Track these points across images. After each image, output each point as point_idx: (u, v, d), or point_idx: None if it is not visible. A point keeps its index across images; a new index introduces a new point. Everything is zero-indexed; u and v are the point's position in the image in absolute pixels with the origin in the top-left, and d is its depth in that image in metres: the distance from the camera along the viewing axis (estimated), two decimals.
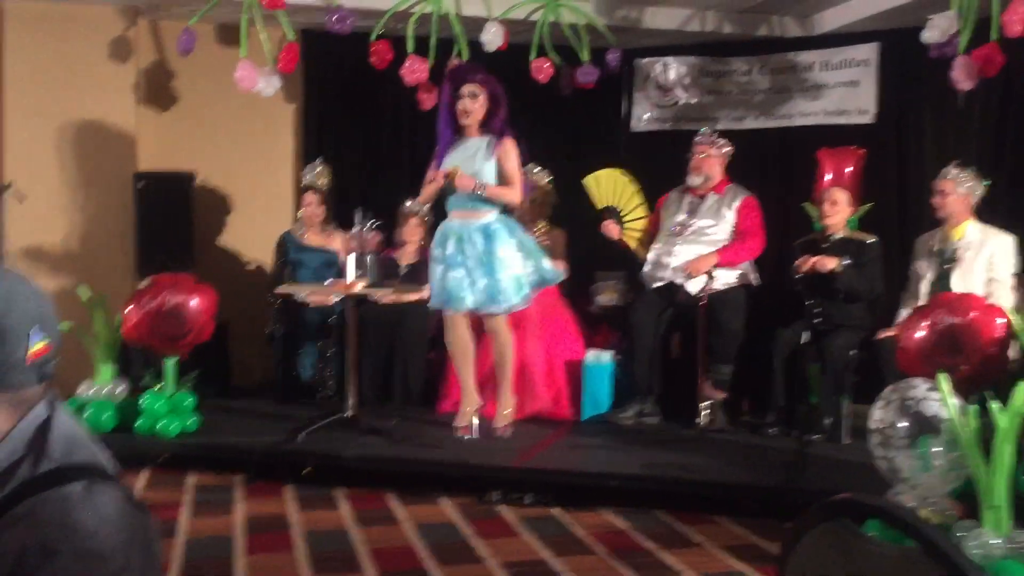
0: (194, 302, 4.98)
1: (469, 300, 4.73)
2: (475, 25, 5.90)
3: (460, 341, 4.93)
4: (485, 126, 4.77)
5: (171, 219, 6.07)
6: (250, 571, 3.42)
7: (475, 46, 5.96)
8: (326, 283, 5.35)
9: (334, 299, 5.68)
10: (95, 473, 1.21)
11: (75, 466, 1.20)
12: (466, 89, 4.72)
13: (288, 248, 6.08)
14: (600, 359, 5.39)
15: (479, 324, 5.59)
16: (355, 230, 5.11)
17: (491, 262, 4.68)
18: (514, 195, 4.76)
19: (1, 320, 1.18)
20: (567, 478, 4.38)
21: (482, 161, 4.73)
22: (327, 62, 6.63)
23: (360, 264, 5.02)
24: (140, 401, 4.94)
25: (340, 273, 5.72)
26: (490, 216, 4.76)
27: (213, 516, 4.05)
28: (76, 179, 6.15)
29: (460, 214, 4.81)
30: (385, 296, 5.44)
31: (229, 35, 6.30)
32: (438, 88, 6.06)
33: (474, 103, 4.72)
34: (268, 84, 5.95)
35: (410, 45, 5.91)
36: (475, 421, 4.92)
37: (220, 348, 6.01)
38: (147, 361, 5.24)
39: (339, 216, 6.11)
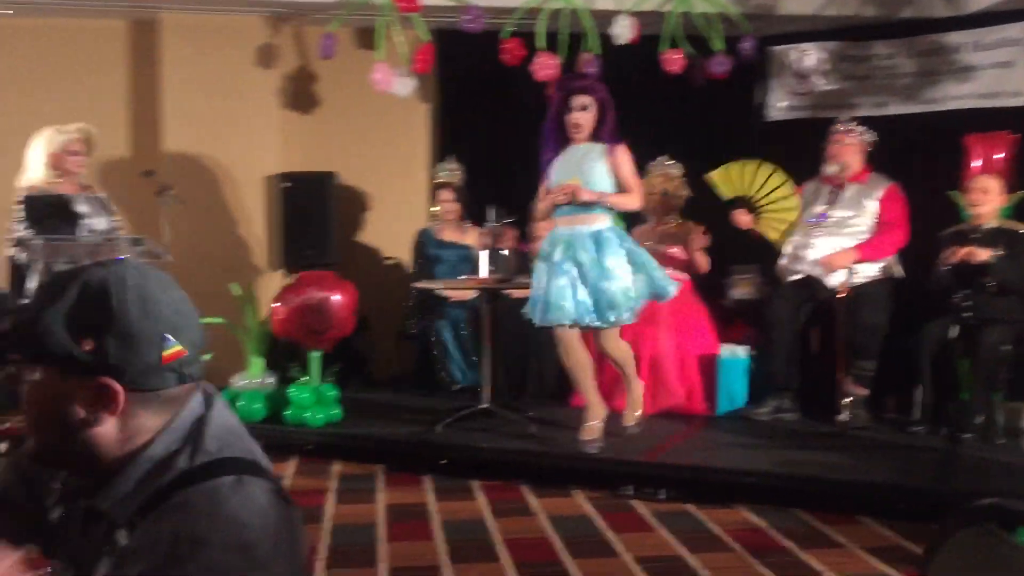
0: (336, 298, 5.17)
1: (569, 310, 4.43)
2: (605, 18, 5.90)
3: (576, 357, 4.65)
4: (594, 134, 4.62)
5: (313, 218, 6.32)
6: (392, 557, 3.55)
7: (605, 40, 5.95)
8: (461, 278, 5.46)
9: (470, 294, 5.80)
10: (247, 467, 1.25)
11: (229, 459, 1.25)
12: (577, 102, 4.55)
13: (426, 244, 6.24)
14: (735, 354, 5.31)
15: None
16: (489, 226, 5.20)
17: (600, 272, 4.42)
18: (635, 202, 4.63)
19: (135, 325, 1.21)
20: (702, 474, 4.34)
21: (592, 165, 4.54)
22: (460, 61, 6.75)
23: (494, 259, 5.11)
24: (288, 392, 5.18)
25: (476, 268, 5.84)
26: (601, 223, 4.53)
27: (356, 503, 4.21)
28: (226, 181, 6.48)
29: (568, 220, 4.57)
30: (519, 290, 5.51)
31: (366, 38, 6.49)
32: None
33: (585, 116, 4.56)
34: (404, 85, 6.13)
35: (540, 41, 5.95)
36: (599, 429, 4.69)
37: (361, 342, 6.23)
38: (293, 354, 5.48)
39: (473, 212, 6.22)
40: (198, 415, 1.27)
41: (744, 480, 4.23)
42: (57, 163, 4.90)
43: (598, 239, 4.50)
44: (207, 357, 1.40)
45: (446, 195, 6.23)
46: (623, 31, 5.84)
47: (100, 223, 4.98)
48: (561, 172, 4.60)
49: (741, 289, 5.76)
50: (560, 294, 4.45)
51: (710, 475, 4.32)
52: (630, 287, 4.48)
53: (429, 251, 6.22)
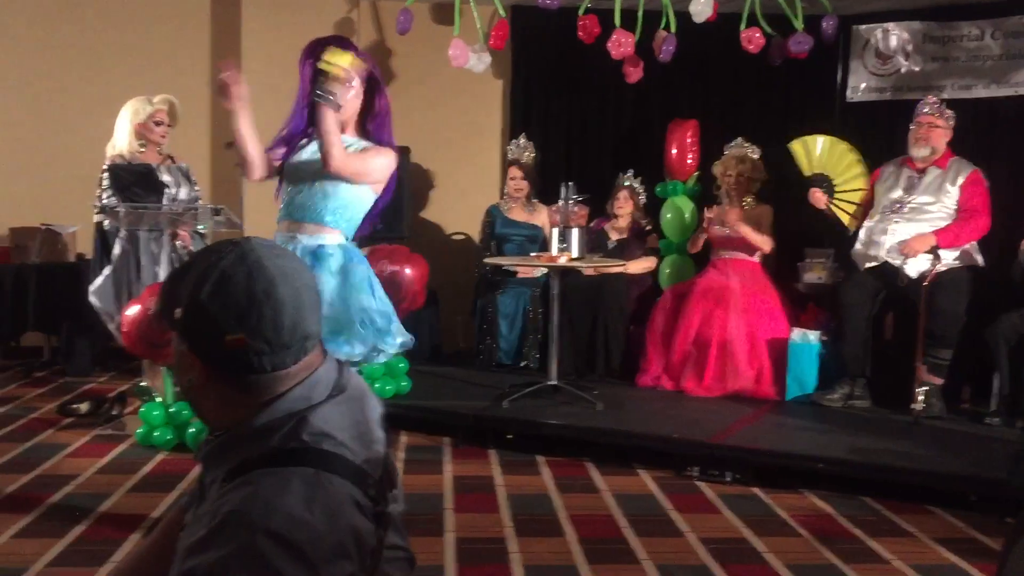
0: (408, 271, 5.23)
1: None
2: None
3: None
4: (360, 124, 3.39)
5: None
6: (459, 527, 3.60)
7: (683, 17, 5.88)
8: (531, 255, 5.48)
9: (539, 271, 5.82)
10: (336, 466, 1.24)
11: (318, 452, 1.24)
12: None
13: (494, 221, 6.27)
14: (807, 338, 5.24)
15: (678, 301, 5.58)
16: (560, 203, 5.21)
17: None
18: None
19: (208, 307, 1.25)
20: (769, 458, 4.30)
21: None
22: (535, 38, 6.75)
23: (564, 237, 5.11)
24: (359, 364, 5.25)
25: (545, 246, 5.86)
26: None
27: (425, 474, 4.28)
28: None
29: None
30: (588, 268, 5.52)
31: (443, 14, 6.53)
32: (644, 61, 6.06)
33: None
34: (479, 61, 6.15)
35: (617, 18, 5.91)
36: None
37: (430, 316, 6.30)
38: None
39: (545, 190, 6.23)
40: (311, 400, 1.28)
41: (813, 466, 4.18)
42: (142, 133, 5.03)
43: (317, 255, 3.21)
44: None
45: (516, 172, 6.25)
46: (702, 9, 5.77)
47: (182, 192, 5.11)
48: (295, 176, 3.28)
49: (814, 273, 5.68)
50: None
51: (778, 459, 4.28)
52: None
53: (497, 229, 6.25)
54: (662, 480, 4.24)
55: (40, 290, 6.28)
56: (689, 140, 6.31)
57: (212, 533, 1.16)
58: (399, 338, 3.26)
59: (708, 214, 5.70)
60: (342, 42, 3.24)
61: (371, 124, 3.30)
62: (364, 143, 3.28)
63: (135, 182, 4.97)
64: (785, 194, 5.81)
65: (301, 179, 3.22)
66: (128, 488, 3.97)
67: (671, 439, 4.51)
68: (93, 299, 4.96)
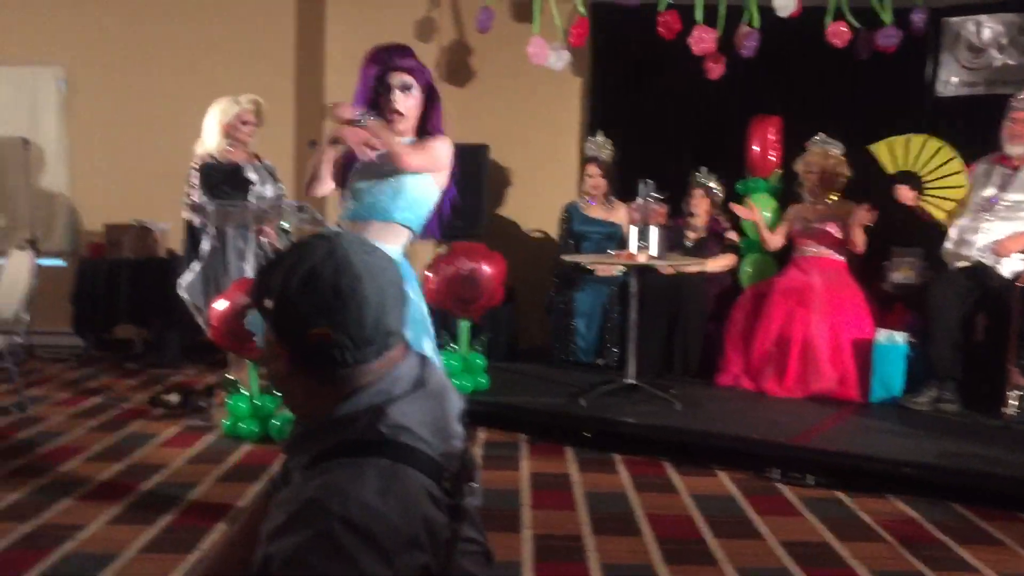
0: (487, 268, 5.27)
1: None
2: None
3: None
4: (419, 128, 3.34)
5: (466, 189, 6.39)
6: (535, 523, 3.61)
7: (766, 12, 5.79)
8: (610, 253, 5.46)
9: (617, 270, 5.80)
10: (413, 458, 1.26)
11: (396, 444, 1.26)
12: (396, 79, 3.19)
13: (572, 219, 6.27)
14: (893, 339, 5.10)
15: (759, 300, 5.50)
16: (639, 201, 5.17)
17: None
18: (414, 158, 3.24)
19: (296, 300, 1.28)
20: (853, 461, 4.20)
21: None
22: (615, 35, 6.71)
23: (643, 235, 5.08)
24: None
25: (622, 244, 5.83)
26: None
27: (502, 470, 4.30)
28: None
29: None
30: (667, 267, 5.48)
31: (523, 11, 6.54)
32: (726, 57, 5.98)
33: (408, 100, 3.22)
34: (558, 58, 6.15)
35: (699, 14, 5.84)
36: None
37: (507, 313, 6.32)
38: (443, 323, 5.61)
39: (624, 187, 6.20)
40: (391, 394, 1.31)
41: (898, 470, 4.07)
42: (230, 132, 5.16)
43: None
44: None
45: (594, 170, 6.23)
46: (786, 3, 5.68)
47: (268, 190, 5.23)
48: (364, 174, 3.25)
49: (902, 272, 5.53)
50: None
51: (862, 463, 4.18)
52: None
53: (575, 227, 6.24)
54: (741, 481, 4.18)
55: (132, 284, 6.51)
56: (771, 137, 6.21)
57: (291, 519, 1.19)
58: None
59: (790, 218, 5.62)
60: (402, 49, 3.24)
61: (425, 132, 3.27)
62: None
63: (223, 180, 5.10)
64: (870, 191, 5.67)
65: (367, 179, 3.22)
66: (215, 478, 4.09)
67: (751, 440, 4.45)
68: (183, 293, 5.11)
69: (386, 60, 3.18)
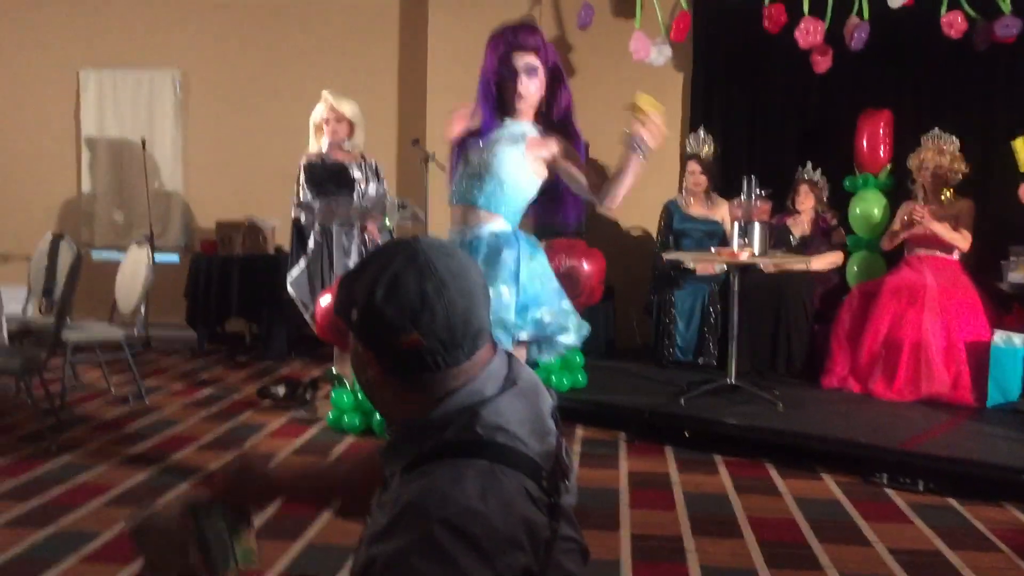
0: (586, 266, 5.26)
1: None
2: None
3: None
4: (544, 112, 3.31)
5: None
6: (634, 524, 3.59)
7: (877, 3, 5.61)
8: (711, 251, 5.38)
9: (719, 268, 5.71)
10: (509, 458, 1.25)
11: (492, 444, 1.25)
12: (521, 61, 3.16)
13: (672, 216, 6.20)
14: (1011, 342, 4.88)
15: (867, 299, 5.34)
16: (742, 198, 5.08)
17: None
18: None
19: (382, 309, 1.27)
20: (966, 467, 4.04)
21: (505, 148, 3.19)
22: (718, 29, 6.61)
23: (746, 232, 4.99)
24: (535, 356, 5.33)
25: (724, 242, 5.74)
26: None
27: (600, 468, 4.29)
28: None
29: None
30: (769, 265, 5.37)
31: (624, 7, 6.50)
32: (833, 50, 5.82)
33: (532, 82, 3.19)
34: (660, 54, 6.10)
35: (806, 6, 5.70)
36: None
37: (606, 311, 6.30)
38: None
39: (726, 184, 6.10)
40: (484, 394, 1.30)
41: (1016, 478, 3.90)
42: (319, 132, 5.31)
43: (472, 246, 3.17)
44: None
45: (694, 167, 6.14)
46: None
47: (371, 188, 5.34)
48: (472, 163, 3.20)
49: (1020, 272, 5.29)
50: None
51: (976, 469, 4.02)
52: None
53: (675, 224, 6.17)
54: (847, 486, 4.07)
55: (243, 280, 6.73)
56: (882, 132, 6.01)
57: (392, 523, 1.20)
58: (545, 319, 3.12)
59: (903, 215, 5.42)
60: (529, 27, 3.18)
61: (556, 115, 3.22)
62: (535, 128, 3.20)
63: (328, 179, 5.24)
64: (988, 187, 5.44)
65: (484, 167, 3.16)
66: None
67: (858, 443, 4.33)
68: (290, 289, 5.26)
69: (511, 40, 3.13)
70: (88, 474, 4.05)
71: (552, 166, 3.18)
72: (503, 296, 3.03)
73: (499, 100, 3.18)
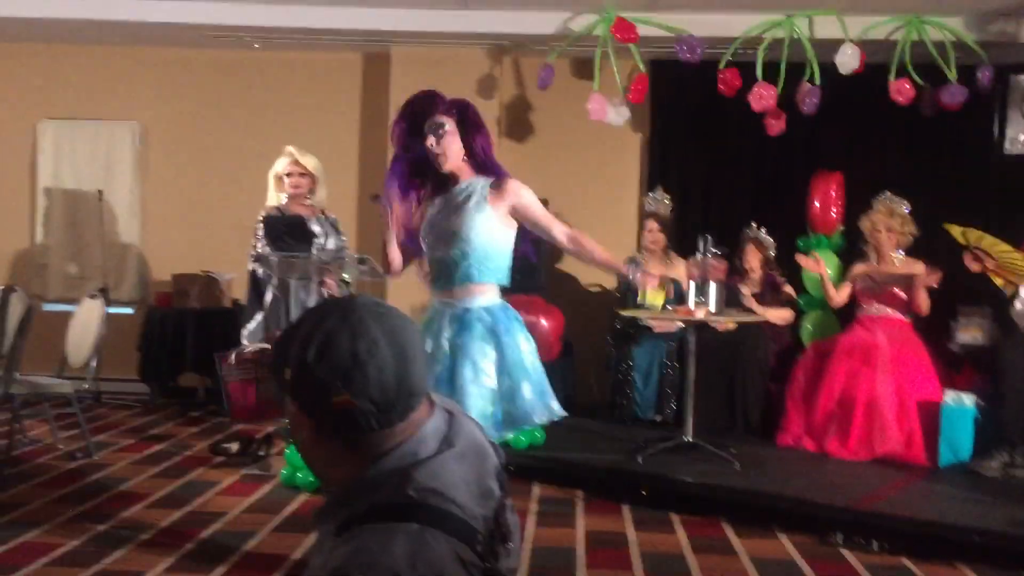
0: (544, 322, 5.28)
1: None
2: (828, 48, 5.73)
3: None
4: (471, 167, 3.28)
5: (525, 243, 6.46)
6: None
7: (828, 69, 5.78)
8: (668, 309, 5.42)
9: (675, 325, 5.75)
10: (441, 521, 1.22)
11: (423, 506, 1.22)
12: (430, 123, 3.17)
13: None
14: (962, 401, 4.97)
15: (821, 358, 5.40)
16: (698, 256, 5.15)
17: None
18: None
19: (314, 369, 1.25)
20: (920, 527, 4.08)
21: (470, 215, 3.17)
22: (674, 91, 6.76)
23: (701, 291, 5.04)
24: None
25: (681, 300, 5.79)
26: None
27: (557, 527, 4.26)
28: None
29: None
30: (725, 324, 5.42)
31: (583, 68, 6.62)
32: (786, 113, 5.97)
33: (445, 140, 3.18)
34: (618, 114, 6.20)
35: (759, 72, 5.86)
36: None
37: (565, 367, 6.29)
38: None
39: (682, 242, 6.18)
40: (418, 455, 1.28)
41: (968, 538, 3.94)
42: (280, 185, 5.31)
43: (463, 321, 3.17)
44: None
45: (653, 225, 6.21)
46: (849, 60, 5.66)
47: (330, 242, 5.33)
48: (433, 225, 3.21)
49: (969, 332, 5.40)
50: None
51: (930, 529, 4.05)
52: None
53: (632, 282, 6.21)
54: (803, 545, 4.07)
55: (198, 333, 6.64)
56: (834, 193, 6.14)
57: None
58: (544, 413, 3.18)
59: (852, 277, 5.54)
60: (432, 96, 3.17)
61: (479, 159, 3.16)
62: (486, 180, 3.15)
63: (287, 232, 5.21)
64: (937, 249, 5.57)
65: (460, 243, 3.11)
66: (272, 527, 4.12)
67: (813, 502, 4.35)
68: (246, 343, 5.20)
69: (410, 111, 3.14)
70: (32, 533, 3.94)
71: (515, 215, 3.17)
72: (499, 387, 3.06)
73: (417, 172, 3.17)
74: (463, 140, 3.14)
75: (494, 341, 3.07)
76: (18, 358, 4.85)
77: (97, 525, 4.06)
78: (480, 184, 3.14)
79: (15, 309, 5.25)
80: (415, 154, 3.15)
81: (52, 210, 7.35)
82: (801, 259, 5.70)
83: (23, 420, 5.64)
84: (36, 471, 4.95)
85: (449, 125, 3.12)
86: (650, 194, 6.44)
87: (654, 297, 3.20)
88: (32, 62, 7.29)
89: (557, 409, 3.23)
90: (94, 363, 5.34)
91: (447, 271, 3.15)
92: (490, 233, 3.11)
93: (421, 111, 3.14)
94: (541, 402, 3.16)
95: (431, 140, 3.11)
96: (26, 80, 7.30)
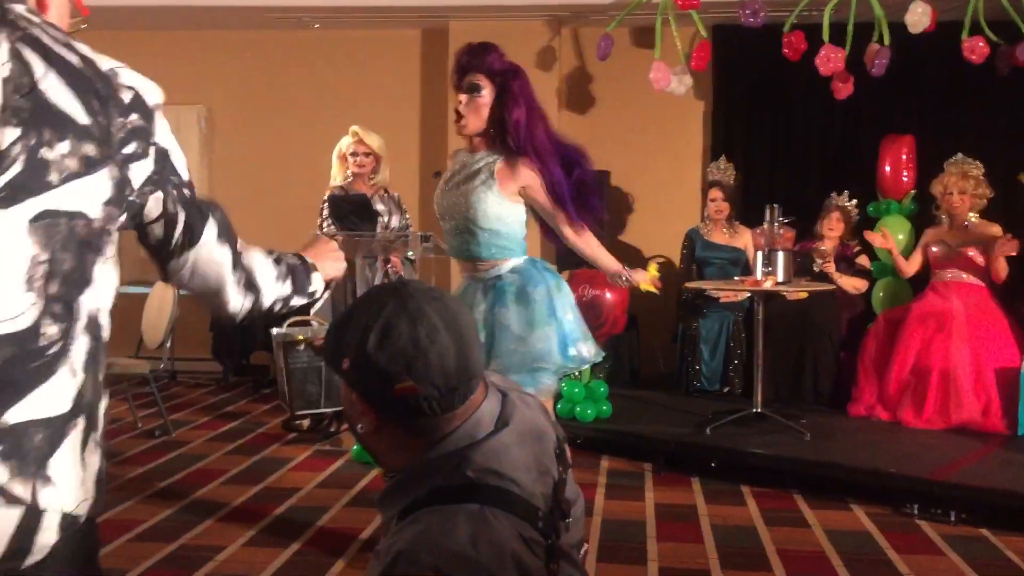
0: (609, 295, 5.25)
1: None
2: (896, 7, 5.55)
3: None
4: (490, 137, 3.13)
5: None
6: (661, 556, 3.56)
7: (897, 29, 5.60)
8: (735, 279, 5.36)
9: (742, 296, 5.68)
10: (501, 500, 1.24)
11: (482, 486, 1.25)
12: (466, 80, 3.07)
13: (694, 244, 6.18)
14: None
15: (894, 327, 5.29)
16: (765, 226, 5.07)
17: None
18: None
19: (376, 357, 1.26)
20: (999, 497, 3.98)
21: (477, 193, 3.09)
22: (738, 57, 6.63)
23: (769, 260, 4.97)
24: (560, 386, 5.31)
25: (747, 269, 5.71)
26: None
27: (626, 500, 4.26)
28: None
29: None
30: (794, 293, 5.33)
31: (643, 37, 6.54)
32: (854, 76, 5.81)
33: (472, 103, 3.06)
34: (680, 83, 6.11)
35: (826, 34, 5.70)
36: None
37: (630, 340, 6.28)
38: None
39: (747, 212, 6.08)
40: (475, 436, 1.29)
41: None
42: (344, 165, 5.35)
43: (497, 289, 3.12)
44: None
45: (716, 194, 6.13)
46: (919, 19, 5.47)
47: (394, 220, 5.37)
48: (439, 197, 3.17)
49: None
50: None
51: (1009, 500, 3.96)
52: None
53: (697, 252, 6.15)
54: (878, 517, 4.01)
55: (268, 313, 6.74)
56: (904, 157, 5.98)
57: (384, 573, 1.19)
58: (582, 353, 3.08)
59: (926, 242, 5.38)
60: (477, 47, 3.00)
61: (512, 141, 3.00)
62: (494, 157, 3.04)
63: (351, 211, 5.27)
64: (1013, 211, 5.39)
65: (468, 220, 3.05)
66: (344, 503, 4.19)
67: (888, 473, 4.27)
68: (314, 323, 5.28)
69: (459, 62, 3.03)
70: (115, 510, 4.07)
71: (523, 195, 3.06)
72: (549, 339, 2.99)
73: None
74: (499, 111, 2.99)
75: (525, 300, 3.01)
76: None
77: (177, 501, 4.18)
78: (491, 160, 3.04)
79: None
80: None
81: None
82: (868, 236, 5.55)
83: None
84: (117, 449, 5.11)
85: (486, 91, 2.99)
86: (713, 163, 6.35)
87: (647, 287, 3.16)
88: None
89: (587, 354, 3.11)
90: (169, 343, 5.47)
91: (464, 244, 3.08)
92: (498, 212, 3.02)
93: (467, 64, 3.01)
94: (561, 346, 3.02)
95: (462, 98, 3.01)
96: None
